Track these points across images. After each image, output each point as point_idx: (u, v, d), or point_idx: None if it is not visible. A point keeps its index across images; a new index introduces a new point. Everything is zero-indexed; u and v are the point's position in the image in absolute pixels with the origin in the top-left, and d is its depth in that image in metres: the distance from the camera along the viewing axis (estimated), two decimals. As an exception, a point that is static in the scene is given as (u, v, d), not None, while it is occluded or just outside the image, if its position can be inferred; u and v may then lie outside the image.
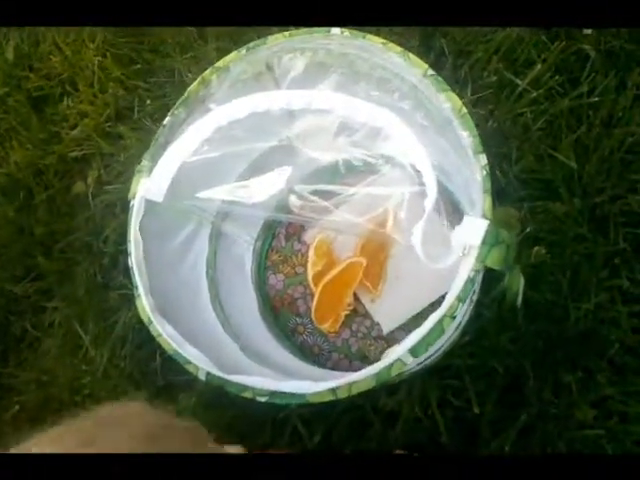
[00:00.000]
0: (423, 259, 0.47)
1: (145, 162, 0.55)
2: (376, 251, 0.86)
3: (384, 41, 0.53)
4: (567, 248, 0.80)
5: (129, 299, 0.89)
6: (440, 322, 0.48)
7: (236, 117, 0.50)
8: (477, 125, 0.54)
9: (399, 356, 0.47)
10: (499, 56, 0.89)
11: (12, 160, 1.01)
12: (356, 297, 0.84)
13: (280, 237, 0.89)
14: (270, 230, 0.89)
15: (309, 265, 0.86)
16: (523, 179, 0.86)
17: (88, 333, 0.88)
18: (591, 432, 0.75)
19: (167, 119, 0.57)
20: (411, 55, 0.53)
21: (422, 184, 0.50)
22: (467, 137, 0.49)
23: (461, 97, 0.55)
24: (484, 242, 0.47)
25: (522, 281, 0.61)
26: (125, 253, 0.92)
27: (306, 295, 0.86)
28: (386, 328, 0.81)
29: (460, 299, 0.48)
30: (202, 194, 0.53)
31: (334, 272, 0.84)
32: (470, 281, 0.48)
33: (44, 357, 0.89)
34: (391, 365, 0.47)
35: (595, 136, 0.85)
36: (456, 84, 0.90)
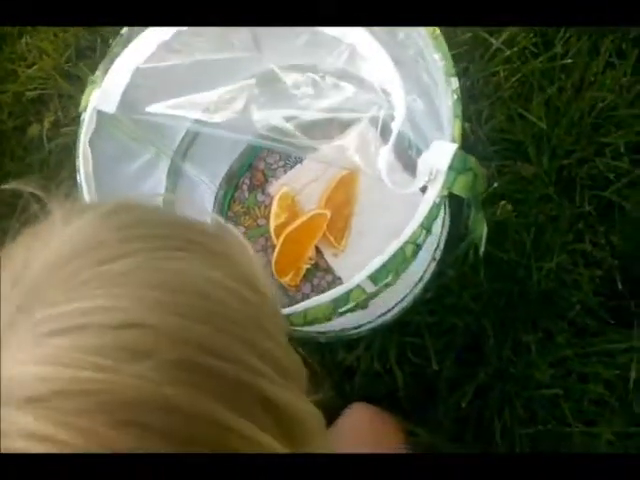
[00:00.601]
0: (389, 185, 0.45)
1: (98, 73, 0.52)
2: (341, 205, 0.84)
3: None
4: (532, 208, 0.80)
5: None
6: (402, 249, 0.46)
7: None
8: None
9: (359, 282, 0.45)
10: (475, 13, 0.88)
11: (-37, 97, 0.96)
12: (318, 251, 0.82)
13: (243, 188, 0.87)
14: (233, 180, 0.87)
15: (272, 217, 0.84)
16: (493, 138, 0.85)
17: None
18: (548, 392, 0.75)
19: (125, 28, 0.53)
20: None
21: (390, 109, 0.48)
22: (439, 60, 0.47)
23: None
24: (451, 167, 0.46)
25: (485, 228, 0.60)
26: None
27: (267, 248, 0.84)
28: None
29: (423, 226, 0.47)
30: (152, 107, 0.50)
31: (297, 223, 0.82)
32: (436, 207, 0.47)
33: None
34: (350, 291, 0.46)
35: (566, 99, 0.84)
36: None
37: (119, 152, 0.56)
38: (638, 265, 0.78)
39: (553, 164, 0.82)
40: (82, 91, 0.94)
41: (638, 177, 0.80)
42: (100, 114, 0.50)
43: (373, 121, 0.56)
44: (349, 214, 0.84)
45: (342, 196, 0.84)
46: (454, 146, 0.46)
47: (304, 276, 0.81)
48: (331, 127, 0.60)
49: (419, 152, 0.50)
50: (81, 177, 0.50)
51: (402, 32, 0.50)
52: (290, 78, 0.52)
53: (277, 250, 0.82)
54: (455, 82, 0.48)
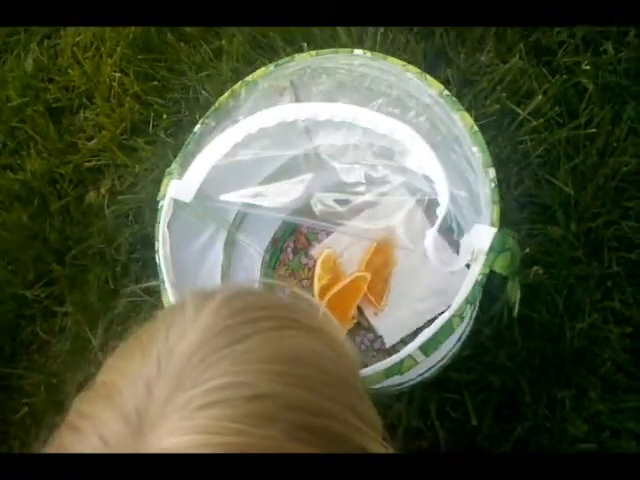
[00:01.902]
0: (434, 263, 0.52)
1: (175, 165, 0.59)
2: (380, 267, 0.90)
3: (404, 63, 0.59)
4: (563, 270, 0.85)
5: (138, 305, 0.92)
6: (449, 321, 0.52)
7: (265, 124, 0.55)
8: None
9: (410, 352, 0.51)
10: (502, 86, 0.96)
11: (28, 168, 1.05)
12: (360, 311, 0.88)
13: (288, 251, 0.94)
14: (279, 243, 0.93)
15: (315, 279, 0.90)
16: (522, 202, 0.91)
17: (97, 338, 0.92)
18: (584, 446, 0.78)
19: (197, 127, 0.61)
20: (428, 76, 0.58)
21: (434, 194, 0.55)
22: (477, 152, 0.54)
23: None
24: (492, 248, 0.52)
25: (519, 291, 0.66)
26: (136, 261, 0.97)
27: (311, 308, 0.90)
28: (389, 341, 0.85)
29: (468, 301, 0.53)
30: (224, 196, 0.58)
31: (339, 286, 0.88)
32: (478, 284, 0.53)
33: (53, 360, 0.92)
34: (402, 361, 0.52)
35: (591, 165, 0.90)
36: (460, 111, 0.96)
37: (188, 230, 0.64)
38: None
39: (581, 227, 0.88)
40: (137, 160, 1.04)
41: (662, 239, 0.85)
42: (176, 202, 0.58)
43: (419, 203, 0.63)
44: (387, 276, 0.90)
45: (381, 259, 0.91)
46: (493, 230, 0.53)
47: (347, 335, 0.87)
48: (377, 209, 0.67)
49: (460, 232, 0.56)
50: (160, 257, 0.57)
51: (443, 126, 0.57)
52: (343, 170, 0.59)
53: (321, 311, 0.88)
54: (492, 172, 0.55)
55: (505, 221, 0.90)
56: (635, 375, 0.81)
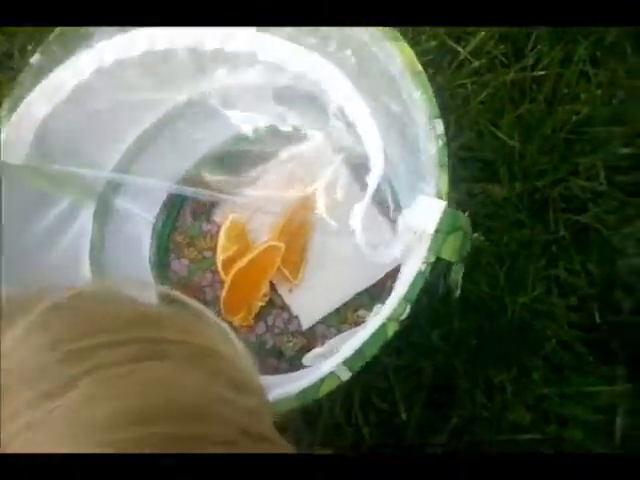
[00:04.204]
0: (364, 250, 0.40)
1: (3, 113, 0.44)
2: (297, 234, 0.78)
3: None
4: (505, 235, 0.76)
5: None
6: (383, 328, 0.41)
7: (126, 55, 0.40)
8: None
9: (332, 369, 0.40)
10: (439, 19, 0.83)
11: None
12: (272, 287, 0.77)
13: (185, 215, 0.80)
14: (174, 207, 0.80)
15: (219, 249, 0.78)
16: (461, 157, 0.81)
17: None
18: (526, 437, 0.71)
19: (35, 57, 0.45)
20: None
21: (361, 157, 0.42)
22: (421, 99, 0.42)
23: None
24: (439, 228, 0.41)
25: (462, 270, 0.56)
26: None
27: (215, 283, 0.78)
28: (306, 322, 0.75)
29: (407, 299, 0.42)
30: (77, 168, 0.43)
31: (248, 258, 0.76)
32: (421, 276, 0.41)
33: None
34: (322, 380, 0.40)
35: (538, 113, 0.81)
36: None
37: (27, 206, 0.49)
38: (616, 294, 0.76)
39: (526, 186, 0.79)
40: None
41: (615, 199, 0.77)
42: (3, 165, 0.42)
43: (342, 166, 0.50)
44: (304, 245, 0.78)
45: (296, 225, 0.78)
46: (442, 204, 0.41)
47: (257, 315, 0.76)
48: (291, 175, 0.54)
49: (397, 206, 0.44)
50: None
51: (374, 64, 0.45)
52: (241, 120, 0.46)
53: (226, 288, 0.76)
54: (439, 125, 0.43)
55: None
56: (580, 353, 0.74)
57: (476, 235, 0.75)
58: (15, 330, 0.24)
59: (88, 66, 0.40)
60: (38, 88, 0.41)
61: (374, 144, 0.43)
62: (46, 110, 0.40)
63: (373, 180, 0.42)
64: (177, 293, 0.34)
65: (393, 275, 0.73)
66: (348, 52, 0.47)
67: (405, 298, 0.42)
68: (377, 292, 0.75)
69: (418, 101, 0.43)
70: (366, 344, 0.41)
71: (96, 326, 0.25)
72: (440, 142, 0.43)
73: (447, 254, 0.43)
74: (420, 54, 0.82)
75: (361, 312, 0.73)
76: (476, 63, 0.82)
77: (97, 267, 0.65)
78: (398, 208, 0.44)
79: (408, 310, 0.43)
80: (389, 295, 0.73)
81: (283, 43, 0.42)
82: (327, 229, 0.76)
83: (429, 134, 0.43)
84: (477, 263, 0.74)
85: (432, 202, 0.42)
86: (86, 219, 0.60)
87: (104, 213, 0.66)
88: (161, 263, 0.79)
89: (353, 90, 0.43)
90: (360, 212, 0.42)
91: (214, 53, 0.44)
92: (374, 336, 0.41)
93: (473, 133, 0.81)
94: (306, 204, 0.78)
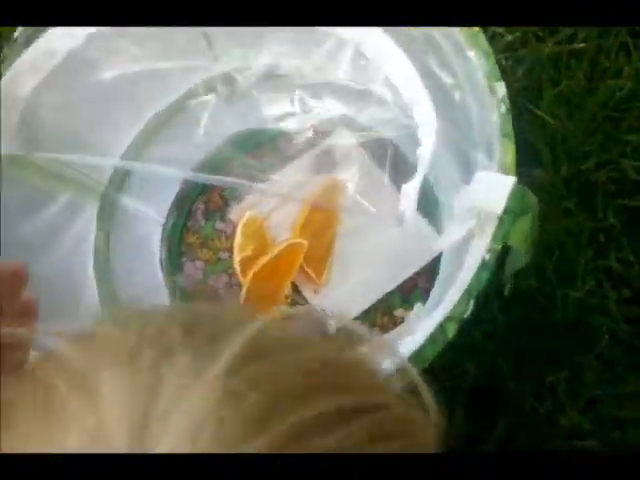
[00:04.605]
0: (418, 239, 0.34)
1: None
2: (320, 230, 0.72)
3: None
4: (552, 225, 0.69)
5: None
6: (442, 328, 0.35)
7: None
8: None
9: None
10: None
11: None
12: (295, 288, 0.71)
13: (197, 214, 0.74)
14: (185, 205, 0.74)
15: (236, 248, 0.72)
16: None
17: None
18: (581, 443, 0.65)
19: (19, 29, 0.38)
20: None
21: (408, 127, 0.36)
22: (477, 59, 0.36)
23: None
24: (507, 209, 0.35)
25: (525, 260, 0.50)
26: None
27: (232, 286, 0.72)
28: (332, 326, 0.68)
29: (471, 294, 0.35)
30: (78, 157, 0.36)
31: (267, 257, 0.70)
32: (485, 268, 0.35)
33: None
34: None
35: (578, 90, 0.74)
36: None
37: (23, 201, 0.42)
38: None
39: (570, 169, 0.72)
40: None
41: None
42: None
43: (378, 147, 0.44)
44: (329, 242, 0.72)
45: (321, 218, 0.72)
46: (510, 179, 0.35)
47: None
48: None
49: (446, 192, 0.38)
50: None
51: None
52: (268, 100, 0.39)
53: (245, 291, 0.70)
54: (502, 88, 0.37)
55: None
56: (636, 349, 0.68)
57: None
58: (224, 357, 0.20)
59: (82, 29, 0.33)
60: (22, 58, 0.34)
61: (425, 115, 0.36)
62: (33, 83, 0.34)
63: (424, 154, 0.36)
64: (361, 327, 0.29)
65: (425, 271, 0.67)
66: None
67: (468, 293, 0.36)
68: (409, 290, 0.68)
69: (474, 62, 0.37)
70: (424, 347, 0.34)
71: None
72: (503, 107, 0.37)
73: (516, 240, 0.36)
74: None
75: (398, 312, 0.67)
76: (509, 37, 0.76)
77: (102, 273, 0.59)
78: (446, 192, 0.38)
79: (472, 307, 0.37)
80: (423, 293, 0.68)
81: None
82: (355, 223, 0.71)
83: (489, 100, 0.37)
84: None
85: (497, 178, 0.36)
86: (89, 218, 0.54)
87: (109, 212, 0.60)
88: (173, 266, 0.73)
89: (395, 49, 0.36)
90: (411, 192, 0.36)
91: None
92: (432, 338, 0.35)
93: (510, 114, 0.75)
94: (331, 194, 0.72)
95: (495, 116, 0.37)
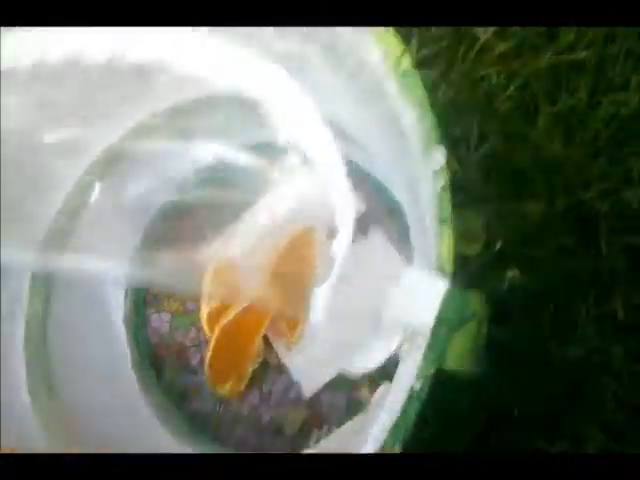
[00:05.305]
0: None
1: None
2: (295, 276, 0.66)
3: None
4: (548, 268, 0.63)
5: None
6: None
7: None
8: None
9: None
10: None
11: None
12: (267, 343, 0.65)
13: (162, 261, 0.69)
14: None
15: (203, 299, 0.66)
16: (486, 167, 0.67)
17: None
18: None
19: None
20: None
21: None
22: (412, 116, 0.29)
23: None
24: (441, 322, 0.29)
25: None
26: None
27: (201, 342, 0.67)
28: (308, 389, 0.63)
29: (397, 436, 0.29)
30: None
31: (235, 310, 0.64)
32: (414, 399, 0.30)
33: None
34: None
35: (579, 107, 0.66)
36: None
37: None
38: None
39: (569, 200, 0.65)
40: None
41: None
42: None
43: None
44: (305, 290, 0.66)
45: (295, 264, 0.66)
46: (444, 284, 0.29)
47: (250, 381, 0.65)
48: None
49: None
50: None
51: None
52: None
53: (211, 349, 0.65)
54: (441, 155, 0.30)
55: (464, 199, 0.67)
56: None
57: (511, 274, 0.62)
58: None
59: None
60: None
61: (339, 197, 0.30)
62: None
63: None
64: None
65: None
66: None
67: (394, 432, 0.30)
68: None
69: (408, 120, 0.29)
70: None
71: None
72: (440, 183, 0.29)
73: (454, 362, 0.30)
74: (432, 41, 0.69)
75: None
76: (501, 47, 0.67)
77: (36, 326, 0.52)
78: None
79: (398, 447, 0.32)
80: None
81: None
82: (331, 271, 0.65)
83: (423, 167, 0.30)
84: (511, 309, 0.61)
85: (428, 283, 0.29)
86: (20, 288, 0.48)
87: (47, 276, 0.54)
88: (138, 319, 0.68)
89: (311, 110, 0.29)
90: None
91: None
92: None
93: (501, 137, 0.67)
94: (307, 233, 0.66)
95: (429, 191, 0.29)
